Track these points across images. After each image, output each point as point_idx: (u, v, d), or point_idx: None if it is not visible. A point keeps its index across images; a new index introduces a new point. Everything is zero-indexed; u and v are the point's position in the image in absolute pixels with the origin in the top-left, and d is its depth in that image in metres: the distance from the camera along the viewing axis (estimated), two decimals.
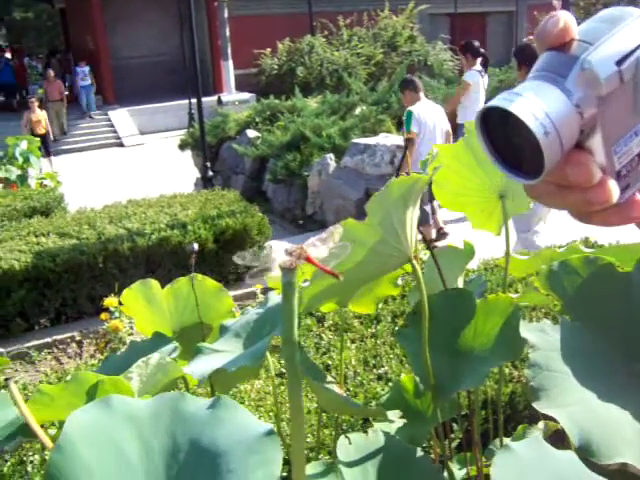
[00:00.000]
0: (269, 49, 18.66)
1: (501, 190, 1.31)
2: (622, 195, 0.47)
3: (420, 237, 1.19)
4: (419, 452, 1.14)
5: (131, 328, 4.09)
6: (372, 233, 1.06)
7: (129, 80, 19.95)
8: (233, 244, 5.66)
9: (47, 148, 14.00)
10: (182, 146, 11.74)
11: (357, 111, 9.99)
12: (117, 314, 4.19)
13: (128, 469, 0.75)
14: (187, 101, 16.87)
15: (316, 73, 17.71)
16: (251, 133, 10.36)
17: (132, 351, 1.32)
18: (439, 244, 5.43)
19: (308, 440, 1.94)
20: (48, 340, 4.90)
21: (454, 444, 1.70)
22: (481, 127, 0.46)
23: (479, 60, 7.02)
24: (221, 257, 5.60)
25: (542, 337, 1.00)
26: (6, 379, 0.98)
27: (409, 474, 1.11)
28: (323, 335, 2.82)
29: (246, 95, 17.77)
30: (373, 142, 7.78)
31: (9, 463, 2.05)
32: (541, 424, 1.52)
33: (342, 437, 1.12)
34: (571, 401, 0.91)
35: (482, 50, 7.12)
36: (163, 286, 1.47)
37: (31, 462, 2.05)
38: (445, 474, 1.29)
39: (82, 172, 13.62)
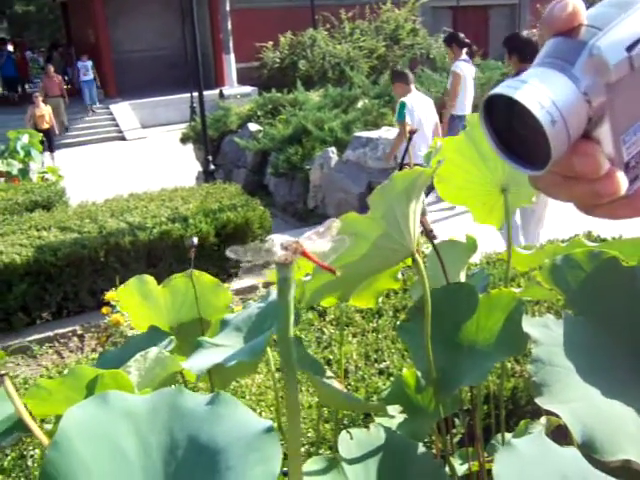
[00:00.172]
0: (271, 42, 18.61)
1: (503, 184, 1.30)
2: (630, 187, 0.46)
3: (421, 229, 1.18)
4: (421, 447, 1.13)
5: None
6: (375, 227, 1.05)
7: (131, 74, 19.92)
8: (234, 238, 5.65)
9: (51, 143, 13.94)
10: (184, 140, 11.73)
11: (359, 104, 9.97)
12: (118, 308, 4.18)
13: (125, 465, 0.74)
14: (189, 94, 16.85)
15: (318, 66, 17.67)
16: (253, 127, 10.35)
17: (128, 346, 1.31)
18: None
19: (309, 435, 1.93)
20: (50, 334, 4.90)
21: (456, 439, 1.69)
22: (485, 116, 0.44)
23: (465, 50, 7.09)
24: (222, 251, 5.56)
25: (545, 332, 0.98)
26: (5, 374, 0.97)
27: (410, 469, 1.10)
28: (324, 329, 2.81)
29: (248, 89, 17.73)
30: (375, 135, 7.77)
31: (9, 457, 2.05)
32: (543, 419, 1.51)
33: (343, 432, 1.12)
34: (574, 397, 0.90)
35: (467, 40, 7.19)
36: (165, 280, 1.46)
37: (31, 456, 2.04)
38: (447, 469, 1.29)
39: (84, 166, 13.62)
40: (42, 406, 1.13)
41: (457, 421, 1.81)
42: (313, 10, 18.85)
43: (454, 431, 1.71)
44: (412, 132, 1.29)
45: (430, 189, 1.46)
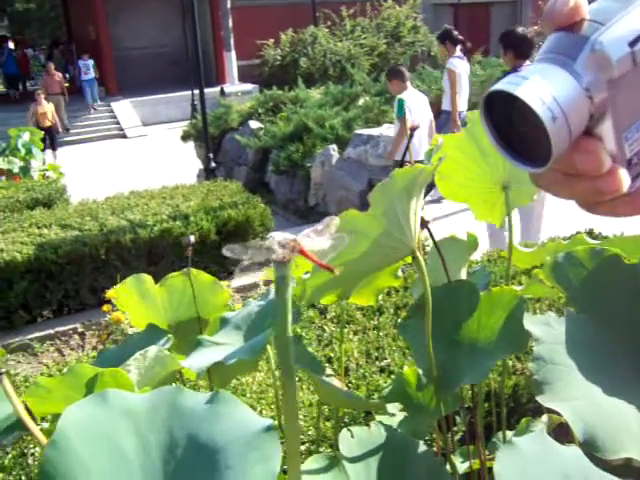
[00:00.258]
0: (272, 40, 18.60)
1: (504, 181, 1.29)
2: (633, 184, 0.45)
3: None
4: (421, 445, 1.12)
5: None
6: (375, 224, 1.05)
7: (132, 71, 19.92)
8: (235, 235, 5.64)
9: (53, 141, 13.90)
10: (185, 137, 11.73)
11: (360, 102, 9.97)
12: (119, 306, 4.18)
13: (124, 464, 0.74)
14: (190, 92, 16.84)
15: (319, 64, 17.65)
16: (254, 124, 10.34)
17: (126, 344, 1.31)
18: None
19: (310, 433, 1.93)
20: (50, 332, 4.90)
21: (457, 437, 1.69)
22: (485, 112, 0.43)
23: (459, 47, 7.09)
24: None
25: (546, 330, 0.98)
26: (3, 372, 0.96)
27: (411, 467, 1.10)
28: (325, 327, 2.81)
29: (249, 86, 17.72)
30: (376, 133, 7.76)
31: (10, 455, 2.04)
32: (545, 417, 1.51)
33: (344, 430, 1.11)
34: (576, 395, 0.90)
35: (461, 37, 7.21)
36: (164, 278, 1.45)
37: (32, 454, 2.04)
38: (447, 467, 1.28)
39: (85, 163, 13.61)
40: (41, 404, 1.13)
41: (458, 419, 1.80)
42: (314, 7, 18.83)
43: (455, 429, 1.71)
44: (413, 129, 1.29)
45: (430, 187, 1.46)
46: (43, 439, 0.90)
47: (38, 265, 4.97)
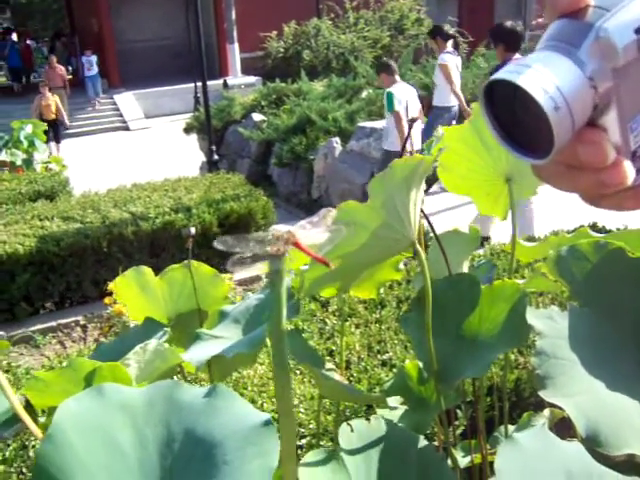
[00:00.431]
0: (275, 32, 18.53)
1: (507, 174, 1.28)
2: (637, 177, 0.44)
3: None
4: (422, 440, 1.12)
5: None
6: (374, 216, 1.04)
7: (134, 63, 19.87)
8: (238, 228, 5.64)
9: (57, 134, 13.85)
10: (187, 130, 11.70)
11: (363, 94, 9.93)
12: None
13: (121, 458, 0.73)
14: (193, 84, 16.78)
15: (322, 56, 17.60)
16: (257, 117, 10.32)
17: (124, 337, 1.30)
18: None
19: (311, 426, 1.93)
20: (53, 324, 4.90)
21: (458, 431, 1.68)
22: (485, 102, 0.42)
23: (450, 42, 7.17)
24: None
25: (549, 324, 0.97)
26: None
27: (412, 462, 1.09)
28: (327, 320, 2.80)
29: (252, 78, 17.67)
30: (379, 126, 7.73)
31: (11, 448, 2.05)
32: (547, 411, 1.50)
33: (344, 424, 1.10)
34: (578, 390, 0.89)
35: (451, 32, 7.41)
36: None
37: (33, 447, 2.04)
38: (449, 461, 1.28)
39: (87, 156, 13.61)
40: (40, 398, 1.13)
41: (460, 413, 1.80)
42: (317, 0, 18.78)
43: (456, 423, 1.70)
44: (413, 120, 1.27)
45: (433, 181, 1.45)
46: (39, 433, 0.89)
47: (40, 257, 4.97)
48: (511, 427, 1.47)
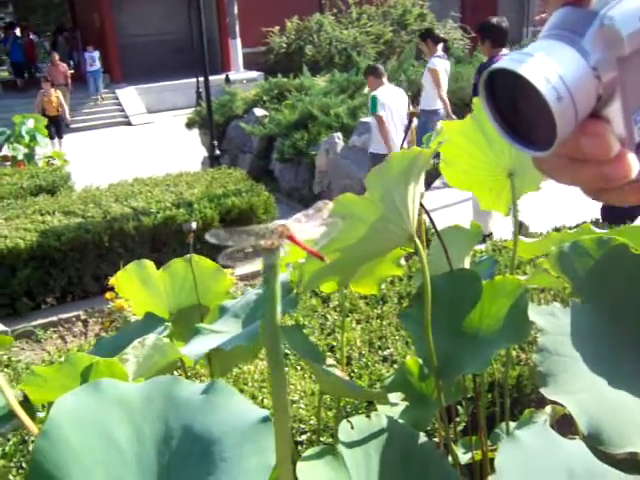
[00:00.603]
0: (277, 27, 18.50)
1: (510, 168, 1.27)
2: None
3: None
4: (422, 436, 1.11)
5: None
6: (372, 209, 1.02)
7: (137, 58, 19.84)
8: (239, 223, 5.61)
9: (59, 129, 13.80)
10: (189, 125, 11.69)
11: (365, 90, 9.89)
12: None
13: (117, 454, 0.73)
14: (195, 79, 16.76)
15: (325, 52, 17.56)
16: (259, 112, 10.30)
17: (124, 332, 1.29)
18: None
19: (311, 422, 1.92)
20: (54, 319, 4.91)
21: (459, 427, 1.68)
22: (486, 92, 0.41)
23: (440, 46, 7.18)
24: None
25: (551, 321, 0.96)
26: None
27: (412, 458, 1.09)
28: (328, 315, 2.79)
29: (254, 74, 17.65)
30: None
31: (11, 442, 2.04)
32: (548, 408, 1.49)
33: (344, 421, 1.10)
34: (580, 387, 0.88)
35: (442, 36, 7.43)
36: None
37: (33, 442, 2.04)
38: (449, 458, 1.27)
39: (89, 151, 13.60)
40: (39, 393, 1.12)
41: (461, 409, 1.79)
42: None
43: (457, 419, 1.70)
44: (413, 115, 1.26)
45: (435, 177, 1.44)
46: (35, 429, 0.88)
47: (41, 252, 4.97)
48: (512, 424, 1.46)
